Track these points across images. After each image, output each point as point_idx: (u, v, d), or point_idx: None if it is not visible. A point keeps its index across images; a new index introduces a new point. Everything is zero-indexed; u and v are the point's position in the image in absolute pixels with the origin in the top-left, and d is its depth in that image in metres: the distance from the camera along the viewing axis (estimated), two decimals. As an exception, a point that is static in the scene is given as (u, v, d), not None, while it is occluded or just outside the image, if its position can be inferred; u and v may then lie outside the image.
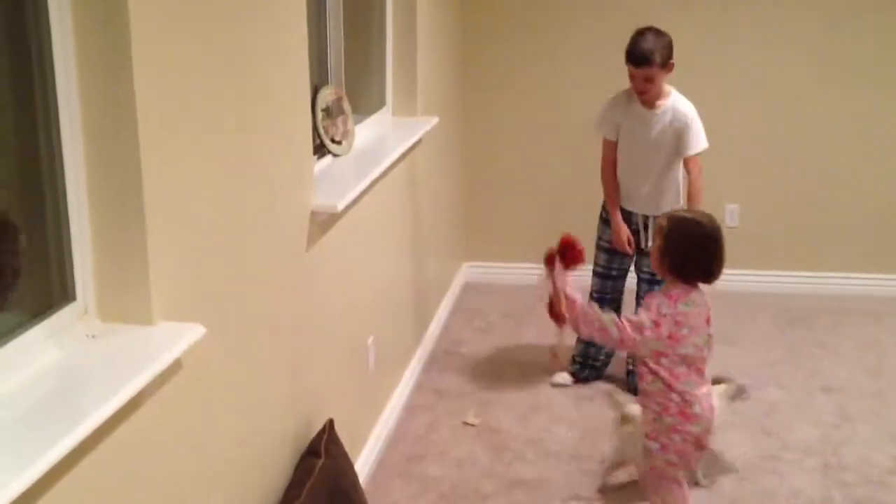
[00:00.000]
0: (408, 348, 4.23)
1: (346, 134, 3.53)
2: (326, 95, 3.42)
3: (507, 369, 4.42)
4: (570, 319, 2.88)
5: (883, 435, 3.80)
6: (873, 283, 5.28)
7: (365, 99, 4.08)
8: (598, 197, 4.18)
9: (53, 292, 1.86)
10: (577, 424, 3.96)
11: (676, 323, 2.80)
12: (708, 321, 2.89)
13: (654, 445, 2.89)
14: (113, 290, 1.89)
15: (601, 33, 5.13)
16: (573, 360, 4.28)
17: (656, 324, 2.78)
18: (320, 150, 3.34)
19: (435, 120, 4.30)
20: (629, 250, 4.06)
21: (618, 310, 4.11)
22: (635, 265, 4.17)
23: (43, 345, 1.78)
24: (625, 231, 4.03)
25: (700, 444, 2.88)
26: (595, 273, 4.18)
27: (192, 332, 1.94)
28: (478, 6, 5.27)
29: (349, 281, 3.28)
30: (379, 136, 3.94)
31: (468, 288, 5.34)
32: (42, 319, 1.79)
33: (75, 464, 1.62)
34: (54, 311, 1.82)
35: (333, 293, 3.10)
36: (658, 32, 3.79)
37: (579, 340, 4.19)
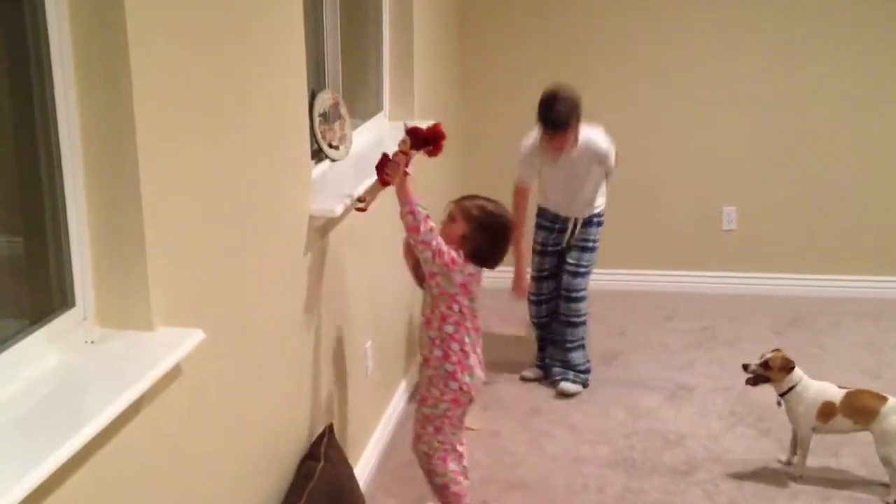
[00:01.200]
0: (406, 353, 4.23)
1: (344, 139, 3.54)
2: (324, 100, 3.42)
3: (505, 373, 4.42)
4: (397, 187, 2.97)
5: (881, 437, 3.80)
6: (871, 285, 5.29)
7: (362, 104, 4.08)
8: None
9: (53, 298, 1.86)
10: (577, 427, 3.96)
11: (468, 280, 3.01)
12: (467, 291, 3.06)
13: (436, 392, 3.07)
14: (112, 296, 1.89)
15: (599, 40, 5.16)
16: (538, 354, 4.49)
17: (453, 261, 2.95)
18: (318, 155, 3.34)
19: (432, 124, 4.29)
20: (527, 297, 4.39)
21: (556, 311, 4.37)
22: (559, 260, 4.34)
23: (42, 350, 1.78)
24: (526, 282, 4.31)
25: (471, 398, 3.10)
26: (531, 276, 4.38)
27: (192, 338, 1.94)
28: (476, 11, 5.29)
29: (347, 285, 3.28)
30: (376, 141, 3.94)
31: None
32: (42, 325, 1.79)
33: (76, 469, 1.62)
34: (54, 317, 1.82)
35: (332, 298, 3.10)
36: (567, 96, 3.92)
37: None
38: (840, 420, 3.46)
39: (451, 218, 3.06)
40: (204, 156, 2.12)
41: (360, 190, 3.08)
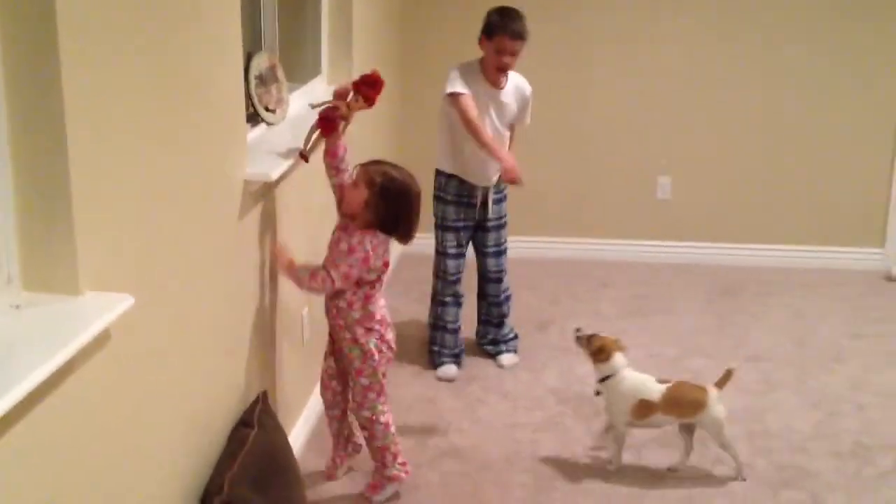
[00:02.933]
0: (342, 319, 4.21)
1: (281, 102, 3.49)
2: (260, 63, 3.37)
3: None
4: (329, 142, 3.09)
5: (805, 403, 3.91)
6: (801, 255, 5.42)
7: (300, 67, 4.03)
8: (532, 175, 4.17)
9: (-25, 261, 1.81)
10: (511, 394, 4.00)
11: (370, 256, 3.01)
12: (386, 265, 3.12)
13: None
14: (38, 259, 1.84)
15: (540, 5, 5.14)
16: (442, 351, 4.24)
17: (346, 276, 3.00)
18: (254, 118, 3.30)
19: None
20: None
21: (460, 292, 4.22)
22: (476, 241, 4.21)
23: (-35, 315, 1.73)
24: (510, 162, 3.82)
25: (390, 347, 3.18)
26: (448, 255, 4.13)
27: (122, 303, 1.90)
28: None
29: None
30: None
31: (404, 259, 5.33)
32: (-37, 289, 1.74)
33: (1, 434, 1.58)
34: (-24, 281, 1.77)
35: (268, 264, 3.07)
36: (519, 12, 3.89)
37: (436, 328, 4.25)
38: (659, 416, 3.36)
39: (354, 183, 3.02)
40: (135, 117, 2.07)
41: (302, 138, 3.13)
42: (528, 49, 3.91)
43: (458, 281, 4.18)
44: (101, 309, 1.86)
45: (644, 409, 3.36)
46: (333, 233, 3.11)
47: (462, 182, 4.06)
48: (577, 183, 5.43)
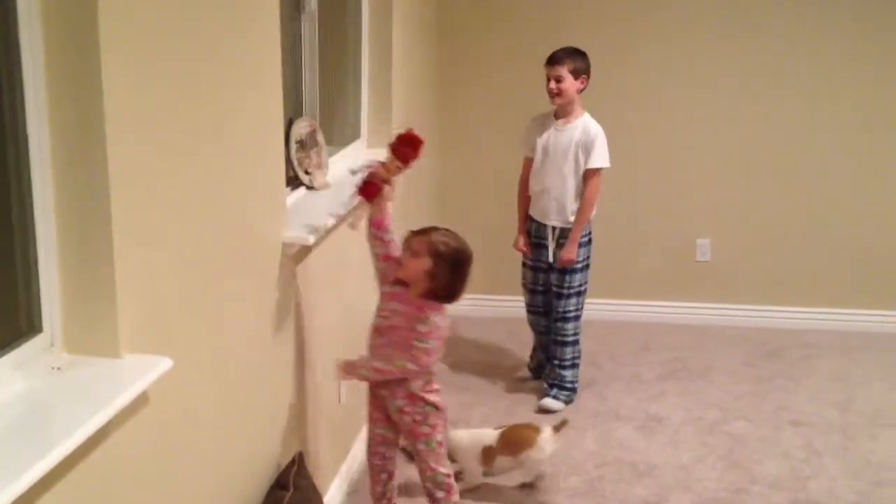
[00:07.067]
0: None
1: (320, 166, 3.55)
2: (300, 127, 3.44)
3: (480, 402, 4.42)
4: (373, 210, 3.08)
5: (849, 469, 3.83)
6: (843, 318, 5.33)
7: (339, 131, 4.10)
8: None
9: (20, 324, 1.85)
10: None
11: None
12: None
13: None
14: (80, 322, 1.88)
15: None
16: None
17: (431, 360, 3.03)
18: (294, 181, 3.35)
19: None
20: (526, 251, 4.46)
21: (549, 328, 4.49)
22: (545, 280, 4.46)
23: (8, 377, 1.77)
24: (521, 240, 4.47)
25: None
26: (525, 287, 4.55)
27: (160, 365, 1.93)
28: (454, 37, 5.32)
29: (321, 313, 3.28)
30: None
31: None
32: (8, 351, 1.78)
33: (39, 496, 1.61)
34: (20, 343, 1.81)
35: (304, 325, 3.10)
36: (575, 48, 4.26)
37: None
38: (501, 460, 3.57)
39: (414, 253, 3.00)
40: (176, 182, 2.12)
41: (341, 210, 3.18)
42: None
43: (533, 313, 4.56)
44: (140, 371, 1.89)
45: (488, 455, 3.57)
46: (384, 305, 3.06)
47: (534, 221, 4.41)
48: (617, 244, 5.42)
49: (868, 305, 5.34)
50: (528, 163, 4.39)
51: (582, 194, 4.25)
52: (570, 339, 4.38)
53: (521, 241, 4.44)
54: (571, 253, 4.26)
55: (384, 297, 3.09)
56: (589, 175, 4.23)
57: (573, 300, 4.35)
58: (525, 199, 4.42)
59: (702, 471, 3.81)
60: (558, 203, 4.26)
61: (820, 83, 5.15)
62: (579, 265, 4.32)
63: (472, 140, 5.43)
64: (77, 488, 1.74)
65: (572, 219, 4.26)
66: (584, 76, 4.22)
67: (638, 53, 5.25)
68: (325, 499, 3.18)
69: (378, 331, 3.07)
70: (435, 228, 3.11)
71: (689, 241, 5.43)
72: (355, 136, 4.26)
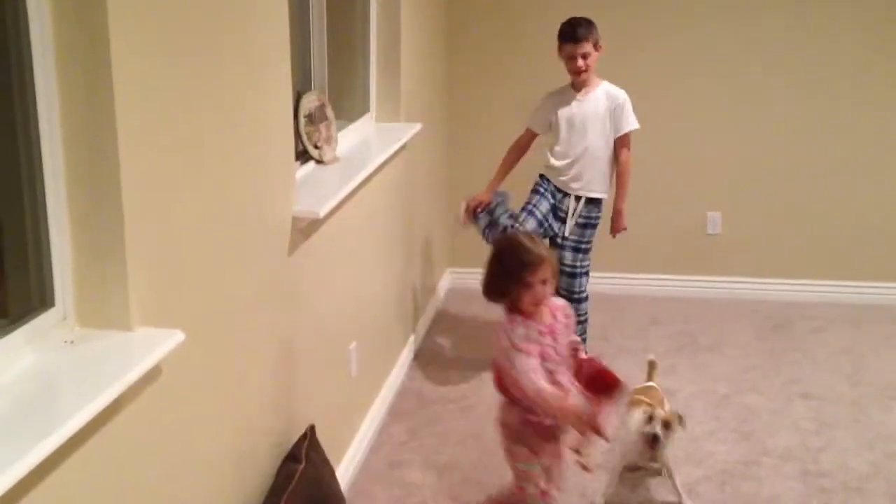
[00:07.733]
0: (390, 354, 4.23)
1: (329, 140, 3.54)
2: (309, 101, 3.43)
3: (490, 376, 4.41)
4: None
5: (861, 441, 3.83)
6: (853, 290, 5.32)
7: (348, 105, 4.09)
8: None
9: (32, 298, 1.86)
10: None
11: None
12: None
13: None
14: (92, 296, 1.89)
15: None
16: None
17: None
18: (303, 156, 3.35)
19: (418, 126, 4.32)
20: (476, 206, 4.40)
21: None
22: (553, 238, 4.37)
23: (21, 350, 1.78)
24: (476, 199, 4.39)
25: None
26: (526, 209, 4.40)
27: (172, 338, 1.94)
28: (462, 13, 5.29)
29: (331, 287, 3.28)
30: (362, 142, 3.95)
31: (452, 294, 5.35)
32: (20, 325, 1.79)
33: (52, 470, 1.62)
34: (33, 317, 1.82)
35: (315, 299, 3.10)
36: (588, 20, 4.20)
37: None
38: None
39: (545, 281, 2.79)
40: (186, 156, 2.12)
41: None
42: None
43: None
44: (152, 344, 1.89)
45: None
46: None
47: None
48: (627, 217, 5.40)
49: (878, 278, 5.32)
50: (529, 134, 4.39)
51: (618, 161, 4.27)
52: (583, 318, 4.37)
53: (483, 194, 4.37)
54: (622, 222, 4.39)
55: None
56: (624, 141, 4.25)
57: (585, 280, 4.35)
58: (509, 162, 4.42)
59: (712, 444, 3.82)
60: (589, 172, 4.24)
61: (830, 59, 5.11)
62: (584, 245, 4.33)
63: (480, 111, 5.40)
64: (90, 461, 1.75)
65: (600, 188, 4.27)
66: (600, 45, 4.22)
67: (649, 28, 5.21)
68: (338, 472, 3.19)
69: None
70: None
71: (700, 215, 5.41)
72: (365, 109, 4.25)
